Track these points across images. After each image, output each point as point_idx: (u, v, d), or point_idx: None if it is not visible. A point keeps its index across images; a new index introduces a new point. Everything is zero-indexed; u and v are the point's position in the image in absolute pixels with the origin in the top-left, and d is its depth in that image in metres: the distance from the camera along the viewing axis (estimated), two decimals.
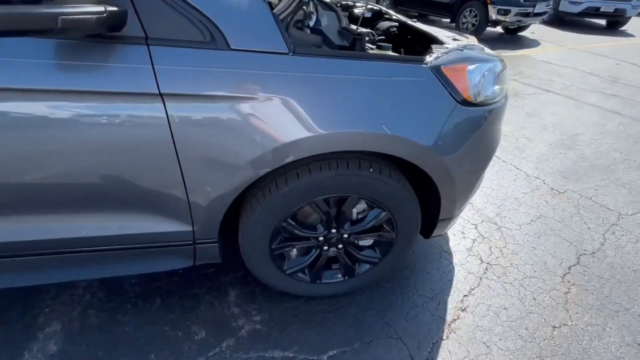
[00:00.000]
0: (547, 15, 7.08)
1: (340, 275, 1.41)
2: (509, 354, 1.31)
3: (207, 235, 1.14)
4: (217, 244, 1.18)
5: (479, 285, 1.58)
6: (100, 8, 0.73)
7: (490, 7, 6.14)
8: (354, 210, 1.28)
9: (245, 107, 0.94)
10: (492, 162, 2.53)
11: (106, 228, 1.04)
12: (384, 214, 1.25)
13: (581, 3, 7.92)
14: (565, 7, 8.12)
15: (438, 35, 1.45)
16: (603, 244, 1.87)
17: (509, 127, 3.14)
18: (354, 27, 1.45)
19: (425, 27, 1.66)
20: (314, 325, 1.35)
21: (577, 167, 2.60)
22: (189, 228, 1.10)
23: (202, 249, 1.18)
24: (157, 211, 1.05)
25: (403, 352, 1.28)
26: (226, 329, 1.31)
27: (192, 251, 1.18)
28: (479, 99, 1.15)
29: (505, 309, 1.48)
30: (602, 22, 8.95)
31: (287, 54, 0.95)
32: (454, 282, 1.59)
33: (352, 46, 1.25)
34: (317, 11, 1.42)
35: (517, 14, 6.22)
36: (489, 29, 6.68)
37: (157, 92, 0.88)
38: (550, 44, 6.59)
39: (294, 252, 1.35)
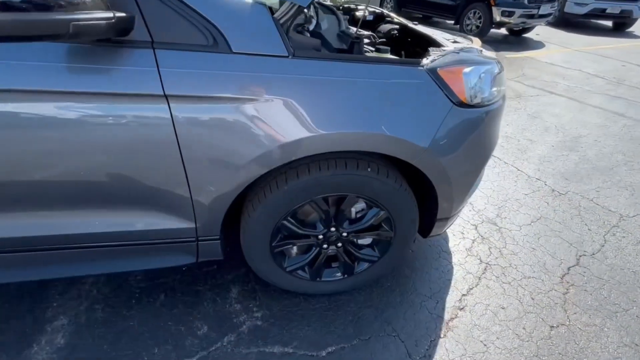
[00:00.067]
0: (552, 16, 7.05)
1: (339, 274, 1.43)
2: (506, 352, 1.32)
3: (210, 232, 1.18)
4: (218, 241, 1.21)
5: (478, 285, 1.60)
6: (109, 14, 0.77)
7: (494, 8, 6.13)
8: (353, 209, 1.30)
9: (246, 108, 0.97)
10: (493, 164, 2.56)
11: (113, 224, 1.08)
12: (382, 213, 1.27)
13: (587, 4, 7.87)
14: (570, 8, 8.08)
15: (437, 38, 1.48)
16: (603, 246, 1.87)
17: (510, 129, 3.15)
18: (353, 29, 1.48)
19: (425, 30, 1.69)
20: (313, 322, 1.38)
21: (579, 168, 2.60)
22: (192, 225, 1.14)
23: (204, 245, 1.21)
24: (161, 208, 1.09)
25: (400, 350, 1.30)
26: (228, 325, 1.34)
27: (195, 248, 1.21)
28: (476, 101, 1.18)
29: (503, 308, 1.50)
30: (609, 23, 8.88)
31: (286, 57, 0.98)
32: (453, 281, 1.61)
33: (350, 49, 1.28)
34: (317, 15, 1.45)
35: (521, 16, 6.21)
36: (493, 30, 6.67)
37: (162, 93, 0.91)
38: (555, 46, 6.56)
39: (294, 250, 1.38)
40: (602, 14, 7.98)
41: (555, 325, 1.44)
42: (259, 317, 1.38)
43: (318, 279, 1.42)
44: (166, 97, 0.92)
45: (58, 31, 0.71)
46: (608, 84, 4.60)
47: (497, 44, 6.38)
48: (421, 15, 7.34)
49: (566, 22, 8.40)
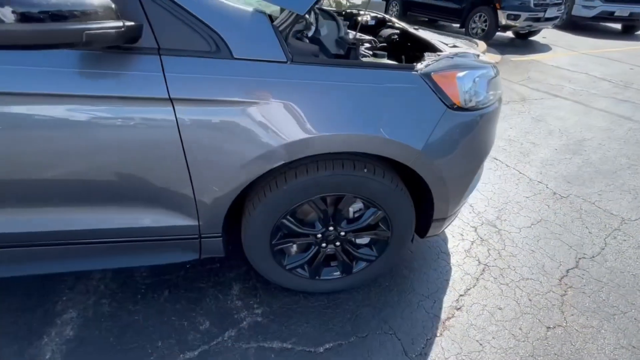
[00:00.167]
0: (558, 19, 7.01)
1: (338, 273, 1.47)
2: (502, 352, 1.34)
3: (212, 230, 1.22)
4: (220, 239, 1.26)
5: (476, 285, 1.62)
6: (119, 23, 0.83)
7: (500, 12, 6.13)
8: (351, 209, 1.34)
9: (247, 111, 1.02)
10: (494, 167, 2.57)
11: (122, 221, 1.14)
12: (379, 212, 1.31)
13: (595, 7, 7.81)
14: (578, 11, 8.02)
15: (435, 43, 1.51)
16: (603, 249, 1.87)
17: (514, 132, 3.15)
18: (352, 34, 1.53)
19: (424, 35, 1.72)
20: (312, 319, 1.41)
21: (582, 172, 2.59)
22: (195, 222, 1.18)
23: (207, 243, 1.26)
24: (166, 206, 1.14)
25: (397, 347, 1.33)
26: (229, 320, 1.38)
27: (198, 245, 1.26)
28: (470, 104, 1.21)
29: (500, 309, 1.51)
30: (617, 26, 8.79)
31: (285, 62, 1.03)
32: (451, 282, 1.63)
33: (347, 54, 1.32)
34: (317, 21, 1.50)
35: (527, 19, 6.19)
36: (499, 33, 6.67)
37: (167, 97, 0.97)
38: (561, 49, 6.53)
39: (294, 248, 1.42)
40: (610, 16, 7.91)
41: (551, 326, 1.45)
42: (259, 313, 1.42)
43: (317, 277, 1.45)
44: (171, 100, 0.98)
45: (72, 40, 0.77)
46: (615, 87, 4.56)
47: (503, 47, 6.37)
48: (427, 19, 7.37)
49: (574, 25, 8.34)
